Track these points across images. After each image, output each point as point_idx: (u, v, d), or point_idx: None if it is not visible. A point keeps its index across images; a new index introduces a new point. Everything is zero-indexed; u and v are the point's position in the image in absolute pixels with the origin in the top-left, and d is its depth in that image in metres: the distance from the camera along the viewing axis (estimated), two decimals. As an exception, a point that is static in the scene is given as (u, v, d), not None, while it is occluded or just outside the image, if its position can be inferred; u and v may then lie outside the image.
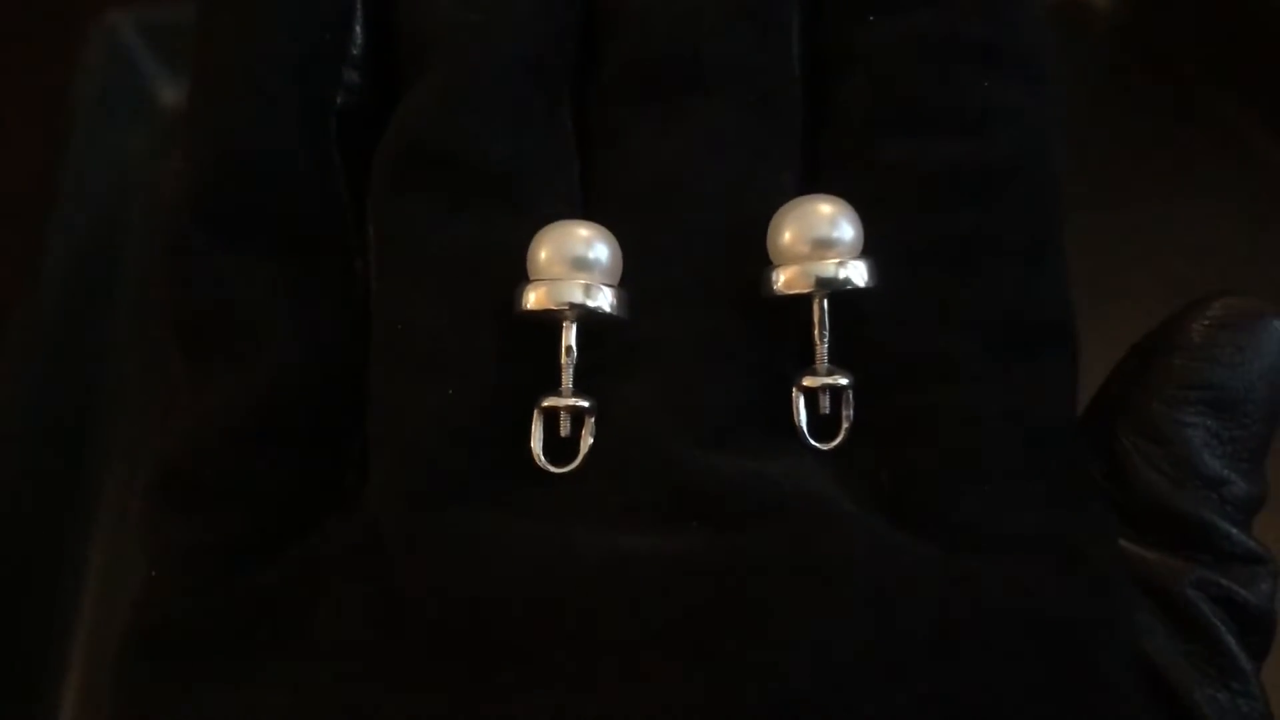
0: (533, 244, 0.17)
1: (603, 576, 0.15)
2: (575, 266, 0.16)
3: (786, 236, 0.16)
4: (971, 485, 0.15)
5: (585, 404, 0.16)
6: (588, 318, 0.16)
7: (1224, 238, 0.38)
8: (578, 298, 0.16)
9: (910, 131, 0.17)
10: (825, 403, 0.16)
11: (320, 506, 0.17)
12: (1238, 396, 0.16)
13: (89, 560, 0.33)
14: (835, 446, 0.16)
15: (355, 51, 0.18)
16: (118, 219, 0.38)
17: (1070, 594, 0.15)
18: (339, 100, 0.18)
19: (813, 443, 0.16)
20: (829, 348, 0.16)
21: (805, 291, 0.16)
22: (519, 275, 0.17)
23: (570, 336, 0.16)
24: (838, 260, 0.16)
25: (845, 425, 0.16)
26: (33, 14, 0.44)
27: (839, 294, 0.16)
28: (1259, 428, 0.16)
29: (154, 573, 0.17)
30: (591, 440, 0.16)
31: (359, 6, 0.18)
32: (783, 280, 0.16)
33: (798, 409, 0.16)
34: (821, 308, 0.16)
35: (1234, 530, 0.16)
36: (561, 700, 0.14)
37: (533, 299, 0.16)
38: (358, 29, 0.18)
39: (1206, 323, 0.16)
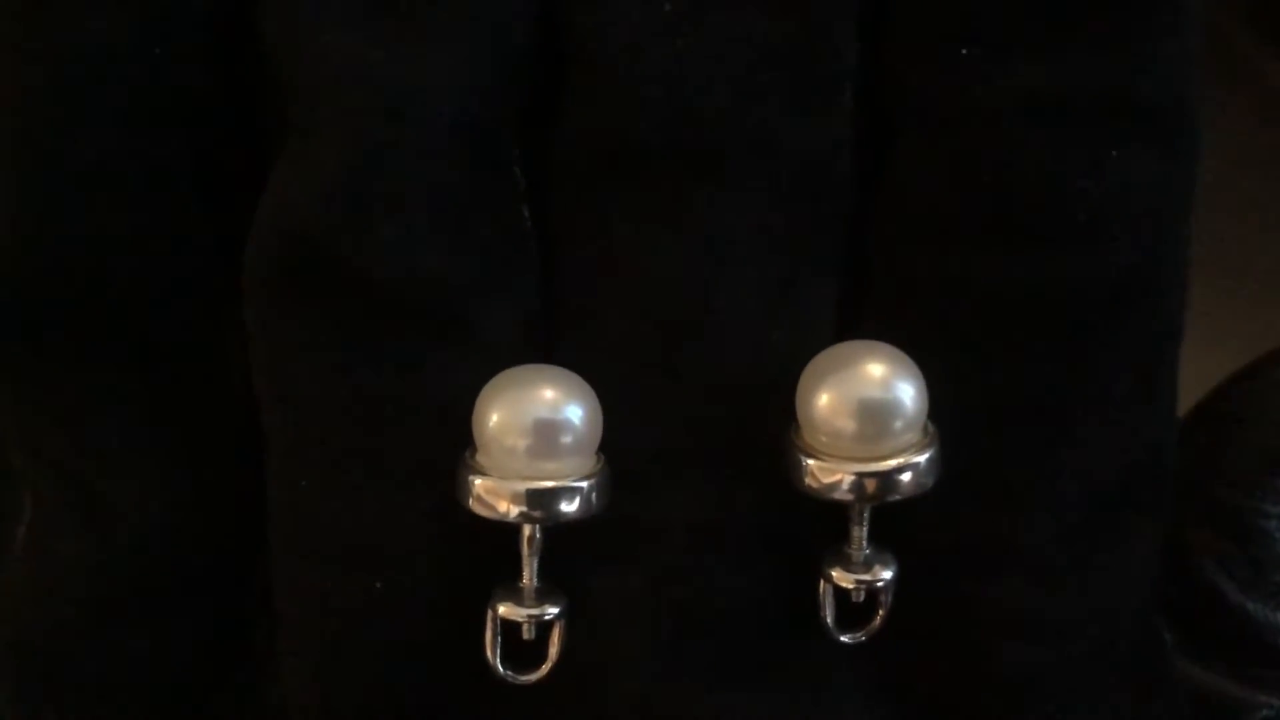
0: (481, 399, 0.13)
1: None
2: (538, 438, 0.13)
3: (824, 401, 0.13)
4: (1037, 704, 0.14)
5: (553, 611, 0.13)
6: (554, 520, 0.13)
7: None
8: (537, 510, 0.13)
9: (998, 238, 0.13)
10: (860, 594, 0.14)
11: (206, 677, 0.15)
12: None
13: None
14: (862, 639, 0.14)
15: (198, 42, 0.13)
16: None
17: None
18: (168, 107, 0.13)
19: (838, 637, 0.14)
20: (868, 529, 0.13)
21: (848, 499, 0.13)
22: (462, 429, 0.13)
23: (535, 530, 0.13)
24: (897, 462, 0.13)
25: (879, 618, 0.14)
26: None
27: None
28: None
29: None
30: (556, 651, 0.13)
31: None
32: (821, 483, 0.13)
33: (824, 603, 0.14)
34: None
35: None
36: None
37: (476, 502, 0.13)
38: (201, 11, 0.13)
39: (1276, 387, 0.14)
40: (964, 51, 0.13)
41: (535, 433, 0.13)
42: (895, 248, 0.13)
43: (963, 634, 0.14)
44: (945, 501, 0.13)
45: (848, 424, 0.13)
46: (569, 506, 0.13)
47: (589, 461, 0.13)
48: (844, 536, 0.13)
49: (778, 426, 0.13)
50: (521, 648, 0.13)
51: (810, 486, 0.13)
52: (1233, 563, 0.14)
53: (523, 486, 0.13)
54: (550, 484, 0.13)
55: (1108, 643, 0.14)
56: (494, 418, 0.13)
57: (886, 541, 0.13)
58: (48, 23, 0.12)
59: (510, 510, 0.13)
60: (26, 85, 0.13)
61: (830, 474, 0.13)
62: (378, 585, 0.13)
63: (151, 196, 0.13)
